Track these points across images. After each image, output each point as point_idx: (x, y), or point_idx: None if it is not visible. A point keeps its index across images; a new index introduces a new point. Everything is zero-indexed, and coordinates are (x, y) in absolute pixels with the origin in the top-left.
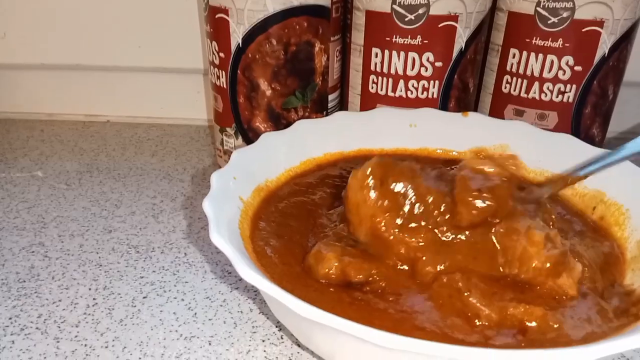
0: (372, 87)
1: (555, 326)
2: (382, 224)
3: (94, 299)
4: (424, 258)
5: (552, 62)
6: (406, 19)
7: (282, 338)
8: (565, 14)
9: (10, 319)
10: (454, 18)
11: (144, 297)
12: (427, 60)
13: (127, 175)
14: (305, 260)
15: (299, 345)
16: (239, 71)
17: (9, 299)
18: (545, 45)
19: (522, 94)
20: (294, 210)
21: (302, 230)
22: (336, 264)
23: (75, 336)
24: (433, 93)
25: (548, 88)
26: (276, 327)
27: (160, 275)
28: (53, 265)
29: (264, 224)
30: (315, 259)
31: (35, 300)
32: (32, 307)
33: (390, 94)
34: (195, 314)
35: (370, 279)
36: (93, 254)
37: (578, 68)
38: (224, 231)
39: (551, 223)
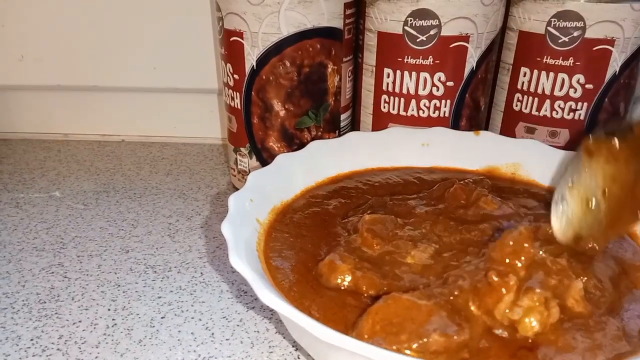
0: (384, 107)
1: None
2: None
3: (113, 319)
4: None
5: (563, 80)
6: (418, 40)
7: (298, 358)
8: (576, 33)
9: (31, 340)
10: (465, 38)
11: (162, 318)
12: (439, 80)
13: (143, 194)
14: (317, 268)
15: None
16: (253, 92)
17: (30, 320)
18: (556, 63)
19: (534, 112)
20: (307, 221)
21: (315, 239)
22: (349, 277)
23: (96, 357)
24: (445, 112)
25: (559, 106)
26: (292, 347)
27: (178, 295)
28: (72, 285)
29: (277, 234)
30: (328, 268)
31: (56, 321)
32: (53, 328)
33: (402, 113)
34: (213, 334)
35: (381, 293)
36: (111, 274)
37: (589, 86)
38: (242, 254)
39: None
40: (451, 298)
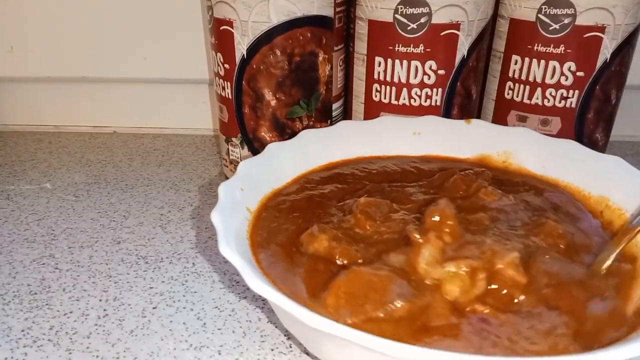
0: (376, 96)
1: None
2: None
3: (104, 310)
4: None
5: (554, 68)
6: (408, 28)
7: (290, 347)
8: (566, 20)
9: (22, 331)
10: (456, 26)
11: (153, 308)
12: (430, 68)
13: (135, 186)
14: (299, 238)
15: (307, 353)
16: (244, 82)
17: (21, 311)
18: (547, 51)
19: (525, 100)
20: (301, 204)
21: (308, 218)
22: (325, 245)
23: (87, 347)
24: (436, 100)
25: (550, 94)
26: (285, 335)
27: (170, 286)
28: (64, 277)
29: (267, 214)
30: (307, 237)
31: (47, 312)
32: (44, 319)
33: (393, 102)
34: (205, 323)
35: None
36: (103, 265)
37: (580, 74)
38: (232, 243)
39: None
40: (405, 267)
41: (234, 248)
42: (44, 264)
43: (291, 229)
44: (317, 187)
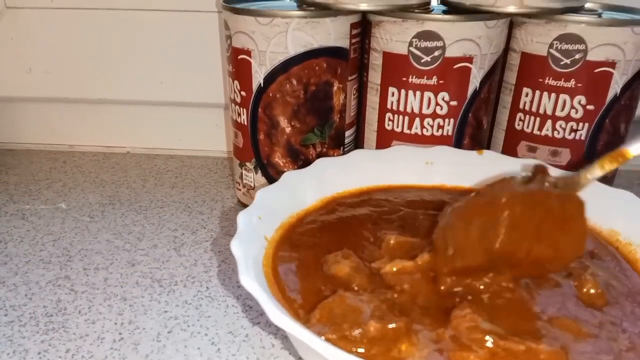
0: (389, 125)
1: None
2: None
3: (119, 333)
4: None
5: (564, 101)
6: (422, 61)
7: None
8: (577, 56)
9: (39, 353)
10: (469, 59)
11: (168, 332)
12: (443, 99)
13: (149, 207)
14: (325, 258)
15: None
16: (259, 109)
17: (37, 334)
18: (557, 85)
19: (535, 131)
20: (331, 225)
21: (336, 240)
22: (347, 272)
23: None
24: (448, 131)
25: (560, 126)
26: None
27: (184, 310)
28: (79, 299)
29: (298, 237)
30: (333, 258)
31: (63, 335)
32: (60, 341)
33: (406, 131)
34: (219, 349)
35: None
36: (118, 288)
37: (590, 107)
38: (251, 272)
39: None
40: (395, 296)
41: (253, 277)
42: (59, 285)
43: (319, 245)
44: (349, 209)
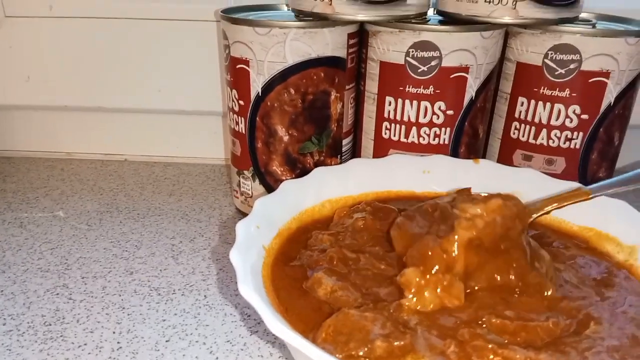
0: (385, 134)
1: None
2: None
3: (118, 342)
4: None
5: (559, 110)
6: (419, 70)
7: None
8: (572, 66)
9: None
10: (465, 69)
11: (166, 341)
12: (439, 108)
13: (146, 215)
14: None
15: None
16: (257, 118)
17: (36, 343)
18: (552, 94)
19: (530, 140)
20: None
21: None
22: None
23: None
24: (444, 139)
25: (555, 135)
26: None
27: (182, 318)
28: (77, 307)
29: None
30: (314, 281)
31: (62, 344)
32: (59, 350)
33: (402, 140)
34: (217, 358)
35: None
36: (116, 297)
37: (585, 116)
38: (250, 282)
39: None
40: (392, 311)
41: (252, 288)
42: (57, 294)
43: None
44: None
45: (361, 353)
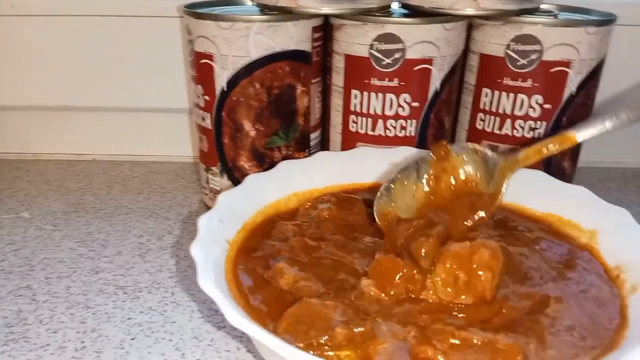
0: (353, 127)
1: None
2: None
3: (82, 342)
4: None
5: (522, 100)
6: (383, 63)
7: None
8: (533, 56)
9: None
10: (429, 61)
11: (132, 339)
12: (404, 100)
13: (114, 214)
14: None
15: None
16: (223, 113)
17: None
18: (515, 85)
19: (496, 131)
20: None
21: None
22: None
23: None
24: (411, 131)
25: (520, 125)
26: None
27: (148, 316)
28: (41, 308)
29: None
30: (275, 271)
31: (24, 345)
32: (20, 352)
33: (369, 132)
34: (184, 354)
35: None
36: (80, 296)
37: (547, 106)
38: (212, 276)
39: None
40: (353, 299)
41: (213, 282)
42: (20, 295)
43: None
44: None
45: (322, 341)
